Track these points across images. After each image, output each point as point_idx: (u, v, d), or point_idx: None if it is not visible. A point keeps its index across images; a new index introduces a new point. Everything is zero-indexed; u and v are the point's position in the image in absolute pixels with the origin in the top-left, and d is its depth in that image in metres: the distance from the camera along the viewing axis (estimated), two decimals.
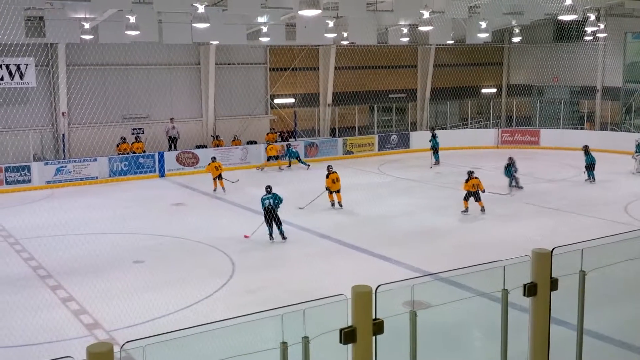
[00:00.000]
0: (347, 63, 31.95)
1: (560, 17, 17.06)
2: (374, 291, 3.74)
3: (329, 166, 19.87)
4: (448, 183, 22.88)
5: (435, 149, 27.22)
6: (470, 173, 18.63)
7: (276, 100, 30.69)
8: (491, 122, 34.46)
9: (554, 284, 3.77)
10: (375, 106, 32.45)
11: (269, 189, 15.96)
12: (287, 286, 12.22)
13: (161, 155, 25.56)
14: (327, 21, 22.74)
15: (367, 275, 12.74)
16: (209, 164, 22.52)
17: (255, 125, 29.76)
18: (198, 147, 27.47)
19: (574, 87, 33.53)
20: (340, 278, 11.49)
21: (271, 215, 15.53)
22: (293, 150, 27.29)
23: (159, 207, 20.10)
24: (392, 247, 14.85)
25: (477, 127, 34.22)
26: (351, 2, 19.99)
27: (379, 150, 30.82)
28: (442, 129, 33.77)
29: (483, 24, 24.94)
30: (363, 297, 3.51)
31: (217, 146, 27.16)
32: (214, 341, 4.23)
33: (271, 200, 15.54)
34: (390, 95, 33.66)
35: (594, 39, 30.69)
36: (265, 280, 12.84)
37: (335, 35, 24.28)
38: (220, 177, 22.16)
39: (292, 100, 31.19)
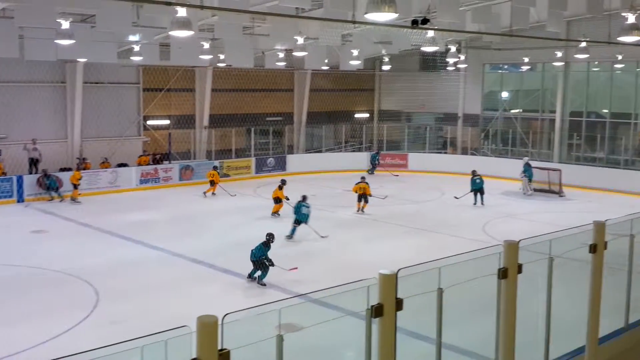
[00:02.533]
0: (224, 85, 31.83)
1: (424, 48, 18.10)
2: (220, 320, 3.74)
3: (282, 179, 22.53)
4: (324, 206, 23.32)
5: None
6: (362, 178, 22.19)
7: (150, 122, 29.93)
8: (364, 145, 35.64)
9: (399, 304, 3.96)
10: (253, 129, 32.54)
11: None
12: (154, 315, 11.84)
13: (20, 179, 23.96)
14: (202, 43, 22.61)
15: (237, 301, 12.68)
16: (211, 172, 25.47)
17: (127, 147, 28.77)
18: (62, 169, 26.04)
19: (438, 113, 35.56)
20: (212, 304, 11.32)
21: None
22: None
23: (16, 234, 18.76)
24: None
25: (351, 151, 35.24)
26: (227, 25, 20.03)
27: (255, 173, 30.87)
28: (318, 152, 34.50)
29: (355, 52, 25.90)
30: (208, 327, 3.46)
31: (83, 169, 25.81)
32: None
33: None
34: (267, 118, 33.91)
35: (455, 69, 32.81)
36: (132, 310, 12.35)
37: (211, 57, 24.18)
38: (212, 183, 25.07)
39: (166, 121, 30.54)
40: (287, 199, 20.82)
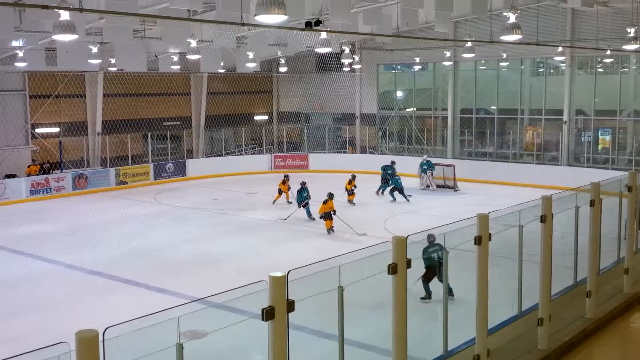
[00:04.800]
0: (117, 90, 30.82)
1: (317, 50, 18.35)
2: (101, 333, 3.65)
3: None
4: (226, 210, 23.15)
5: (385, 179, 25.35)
6: (330, 195, 19.60)
7: (38, 130, 28.49)
8: (264, 147, 35.64)
9: (290, 306, 4.01)
10: (149, 134, 31.70)
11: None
12: (50, 331, 11.28)
13: None
14: (90, 47, 21.80)
15: (140, 311, 12.31)
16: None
17: (14, 157, 27.26)
18: None
19: (337, 114, 36.16)
20: (112, 316, 10.92)
21: None
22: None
23: None
24: (171, 278, 14.55)
25: (252, 153, 35.13)
26: (116, 28, 19.42)
27: (154, 179, 30.11)
28: (219, 155, 34.13)
29: (251, 54, 25.84)
30: (87, 343, 3.35)
31: None
32: None
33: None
34: (164, 123, 33.14)
35: (351, 70, 33.49)
36: (26, 327, 11.73)
37: (100, 61, 23.38)
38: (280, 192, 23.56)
39: (56, 129, 29.18)
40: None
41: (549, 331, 6.78)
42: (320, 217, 19.32)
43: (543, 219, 6.66)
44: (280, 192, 23.63)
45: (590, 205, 7.54)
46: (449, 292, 9.42)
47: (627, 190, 8.51)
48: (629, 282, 8.48)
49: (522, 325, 7.07)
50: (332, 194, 19.72)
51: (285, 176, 24.08)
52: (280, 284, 3.91)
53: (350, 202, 23.50)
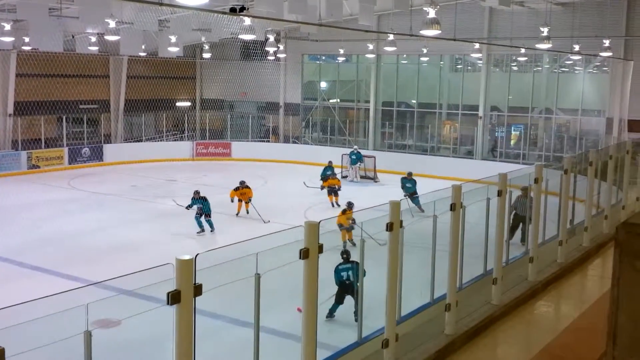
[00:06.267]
0: (31, 70, 29.46)
1: (241, 37, 18.18)
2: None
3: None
4: (144, 196, 22.64)
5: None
6: (349, 204, 16.73)
7: None
8: (186, 134, 35.04)
9: (197, 290, 4.00)
10: (65, 117, 30.51)
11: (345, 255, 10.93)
12: None
13: None
14: (3, 24, 20.72)
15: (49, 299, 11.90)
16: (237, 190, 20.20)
17: None
18: None
19: (261, 102, 36.00)
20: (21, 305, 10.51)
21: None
22: None
23: None
24: (82, 266, 14.14)
25: (173, 140, 34.47)
26: (31, 5, 18.57)
27: (69, 163, 29.08)
28: (138, 141, 33.28)
29: (173, 38, 25.30)
30: None
31: None
32: None
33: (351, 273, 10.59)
34: (81, 106, 31.96)
35: (275, 59, 33.39)
36: None
37: (13, 39, 22.25)
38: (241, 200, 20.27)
39: None
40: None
41: (456, 317, 7.05)
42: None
43: (452, 207, 6.90)
44: (237, 200, 20.29)
45: (498, 195, 7.87)
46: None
47: (534, 182, 8.94)
48: (533, 270, 8.92)
49: (433, 312, 7.32)
50: (352, 204, 17.10)
51: (240, 183, 20.43)
52: (187, 267, 3.88)
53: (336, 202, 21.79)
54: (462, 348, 6.91)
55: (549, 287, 9.02)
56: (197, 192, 18.47)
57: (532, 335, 7.84)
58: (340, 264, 10.70)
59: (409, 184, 21.14)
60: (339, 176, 24.22)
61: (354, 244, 13.97)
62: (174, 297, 3.87)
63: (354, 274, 10.33)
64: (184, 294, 3.88)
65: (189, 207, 18.28)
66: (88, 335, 4.81)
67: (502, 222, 8.07)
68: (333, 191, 21.86)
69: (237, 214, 19.95)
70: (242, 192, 20.13)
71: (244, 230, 18.16)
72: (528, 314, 8.32)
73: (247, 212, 19.96)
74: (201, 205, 17.99)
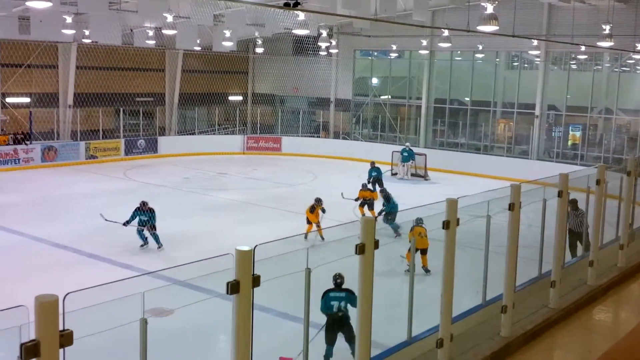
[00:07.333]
0: (91, 62, 30.27)
1: (295, 31, 18.19)
2: (62, 300, 3.59)
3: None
4: (197, 189, 22.98)
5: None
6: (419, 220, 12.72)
7: (8, 99, 27.85)
8: (237, 128, 35.39)
9: (256, 281, 3.98)
10: (122, 109, 31.24)
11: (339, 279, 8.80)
12: (12, 303, 11.10)
13: None
14: (64, 17, 21.31)
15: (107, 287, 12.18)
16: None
17: None
18: None
19: (311, 98, 36.04)
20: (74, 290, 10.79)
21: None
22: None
23: None
24: (137, 256, 14.45)
25: (225, 134, 34.88)
26: None
27: (125, 155, 29.75)
28: (191, 134, 33.82)
29: (227, 33, 25.54)
30: (47, 307, 3.29)
31: None
32: None
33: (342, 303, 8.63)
34: (137, 99, 32.68)
35: (327, 54, 33.36)
36: None
37: (74, 32, 22.88)
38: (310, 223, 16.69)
39: (27, 99, 28.56)
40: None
41: (512, 319, 6.88)
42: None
43: (511, 207, 6.71)
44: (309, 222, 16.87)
45: (558, 196, 7.63)
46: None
47: (596, 184, 8.64)
48: (593, 274, 8.64)
49: (486, 314, 7.16)
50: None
51: (316, 200, 17.05)
52: (246, 258, 3.87)
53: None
54: (519, 351, 6.74)
55: (609, 291, 8.72)
56: (144, 203, 15.51)
57: (592, 341, 7.59)
58: (330, 290, 8.67)
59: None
60: (388, 174, 23.85)
61: (322, 238, 14.45)
62: (233, 287, 3.87)
63: (347, 304, 8.49)
64: (243, 284, 3.87)
65: (126, 223, 15.30)
66: (144, 323, 4.88)
67: (562, 224, 7.83)
68: (366, 203, 19.06)
69: (305, 237, 15.34)
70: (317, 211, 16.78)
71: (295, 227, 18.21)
72: (587, 318, 8.05)
73: (322, 239, 14.68)
74: (147, 219, 15.29)
